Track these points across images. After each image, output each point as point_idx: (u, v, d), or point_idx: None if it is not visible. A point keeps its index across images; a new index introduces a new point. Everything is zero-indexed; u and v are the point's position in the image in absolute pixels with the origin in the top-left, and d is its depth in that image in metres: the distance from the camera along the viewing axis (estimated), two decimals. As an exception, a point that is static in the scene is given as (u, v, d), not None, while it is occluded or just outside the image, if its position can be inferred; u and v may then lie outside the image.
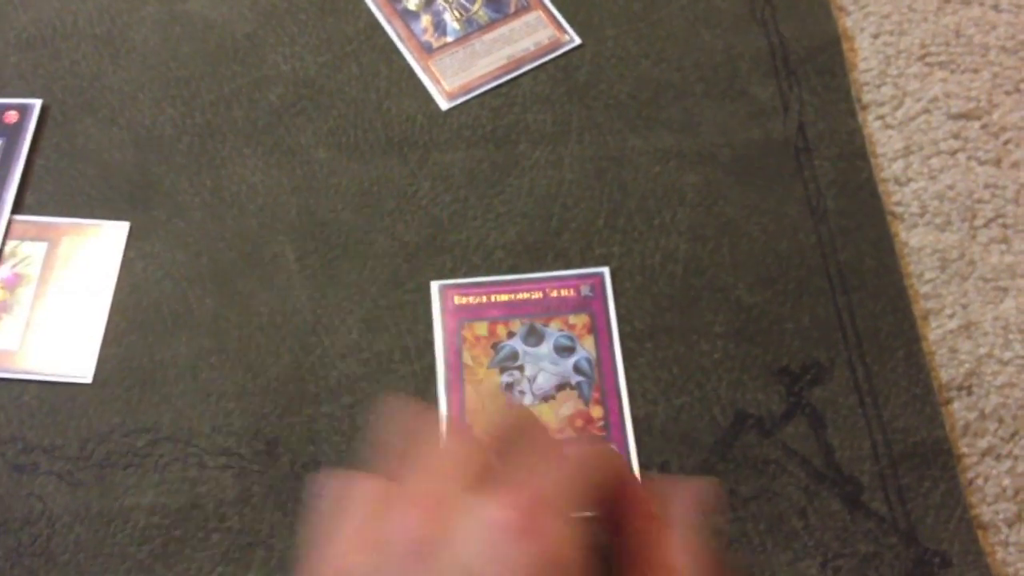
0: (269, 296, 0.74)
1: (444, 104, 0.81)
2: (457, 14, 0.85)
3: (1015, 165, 0.78)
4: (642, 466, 0.68)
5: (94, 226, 0.76)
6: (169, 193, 0.78)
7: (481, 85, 0.82)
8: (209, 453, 0.69)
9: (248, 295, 0.74)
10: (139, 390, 0.71)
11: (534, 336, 0.72)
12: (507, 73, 0.82)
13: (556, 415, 0.69)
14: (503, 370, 0.71)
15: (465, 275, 0.74)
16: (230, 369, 0.71)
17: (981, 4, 0.85)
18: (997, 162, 0.78)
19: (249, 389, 0.71)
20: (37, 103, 0.81)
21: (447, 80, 0.82)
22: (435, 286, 0.74)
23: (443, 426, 0.68)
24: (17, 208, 0.77)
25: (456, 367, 0.71)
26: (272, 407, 0.70)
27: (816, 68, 0.82)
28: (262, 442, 0.69)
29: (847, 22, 0.85)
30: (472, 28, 0.84)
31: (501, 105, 0.81)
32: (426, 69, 0.83)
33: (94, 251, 0.75)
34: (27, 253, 0.75)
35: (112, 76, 0.83)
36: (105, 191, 0.78)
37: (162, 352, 0.72)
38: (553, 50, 0.83)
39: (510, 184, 0.78)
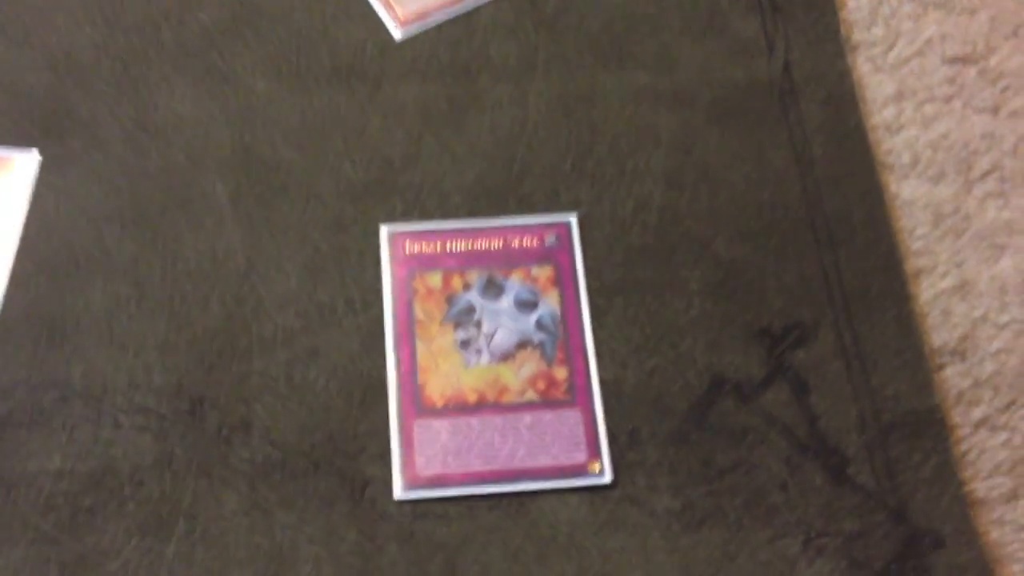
0: (197, 239, 0.66)
1: (397, 33, 0.74)
2: (413, -67, 0.77)
3: (1014, 114, 0.73)
4: (610, 434, 0.62)
5: (1, 157, 0.68)
6: (87, 122, 0.70)
7: (439, 12, 0.74)
8: (125, 412, 0.61)
9: (174, 237, 0.66)
10: (47, 340, 0.63)
11: (493, 289, 0.65)
12: (468, 0, 0.75)
13: (516, 376, 0.63)
14: (458, 325, 0.64)
15: (418, 220, 0.67)
16: (151, 319, 0.64)
17: (979, -58, 0.79)
18: (994, 110, 0.73)
19: (172, 342, 0.63)
20: (-62, 18, 0.72)
21: (401, 5, 0.74)
22: (385, 231, 0.67)
23: (392, 384, 0.62)
24: (-88, 134, 0.68)
25: (406, 321, 0.64)
26: (198, 362, 0.63)
27: (803, 4, 0.76)
28: (186, 401, 0.62)
29: (837, -44, 0.78)
30: (430, -51, 0.76)
31: (460, 35, 0.74)
32: (378, -7, 0.75)
33: (0, 184, 0.67)
34: (-78, 185, 0.67)
35: (25, -10, 0.74)
36: (15, 118, 0.70)
37: (75, 298, 0.64)
38: (518, -24, 0.76)
39: (469, 122, 0.71)
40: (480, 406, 0.62)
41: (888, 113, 0.73)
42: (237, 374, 0.63)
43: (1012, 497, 0.61)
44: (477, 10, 0.75)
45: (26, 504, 0.59)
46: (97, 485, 0.59)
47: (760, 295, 0.66)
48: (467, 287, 0.65)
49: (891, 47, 0.75)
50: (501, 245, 0.67)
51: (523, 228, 0.67)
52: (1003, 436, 0.63)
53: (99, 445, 0.60)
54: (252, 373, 0.63)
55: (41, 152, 0.68)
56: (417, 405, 0.62)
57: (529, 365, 0.63)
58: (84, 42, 0.72)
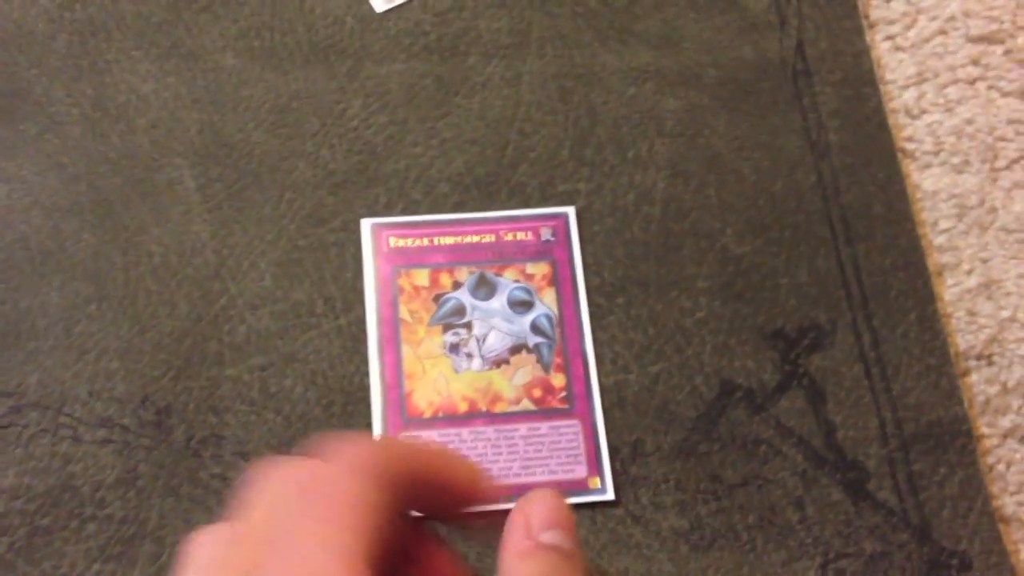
0: (163, 232, 0.61)
1: (379, 5, 0.68)
2: (397, -103, 0.71)
3: (1042, 98, 0.68)
4: (611, 446, 0.57)
5: (-53, 141, 0.62)
6: (40, 103, 0.64)
7: (425, -16, 0.69)
8: (85, 424, 0.56)
9: (137, 230, 0.61)
10: (-1, 345, 0.58)
11: (485, 288, 0.60)
12: (456, -29, 0.69)
13: (510, 383, 0.58)
14: (447, 328, 0.59)
15: (403, 212, 0.62)
16: (113, 321, 0.59)
17: (1004, -89, 0.74)
18: (1022, 94, 0.68)
19: (136, 346, 0.58)
20: None
21: (384, -24, 0.69)
22: (366, 225, 0.62)
23: (375, 391, 0.57)
24: None
25: (391, 323, 0.59)
26: (164, 368, 0.58)
27: (818, -23, 0.70)
28: (151, 411, 0.57)
29: (853, -75, 0.73)
30: (415, -85, 0.70)
31: (448, 8, 0.68)
32: (359, -38, 0.69)
33: (-54, 172, 0.62)
34: None
35: (-27, -43, 0.68)
36: (-38, 98, 0.64)
37: (29, 299, 0.59)
38: (511, -55, 0.70)
39: (458, 104, 0.66)
40: (471, 415, 0.57)
41: (909, 96, 0.68)
42: (207, 381, 0.58)
43: (1043, 514, 0.57)
44: (467, -18, 0.69)
45: (-24, 525, 0.54)
46: (55, 504, 0.55)
47: (772, 294, 0.61)
48: (456, 285, 0.60)
49: (912, 25, 0.70)
50: (493, 240, 0.62)
51: (517, 221, 0.62)
52: (1033, 447, 0.59)
53: (56, 460, 0.55)
54: (223, 380, 0.58)
55: (-8, 136, 0.63)
56: (403, 415, 0.57)
57: (524, 371, 0.58)
58: (38, 14, 0.66)
